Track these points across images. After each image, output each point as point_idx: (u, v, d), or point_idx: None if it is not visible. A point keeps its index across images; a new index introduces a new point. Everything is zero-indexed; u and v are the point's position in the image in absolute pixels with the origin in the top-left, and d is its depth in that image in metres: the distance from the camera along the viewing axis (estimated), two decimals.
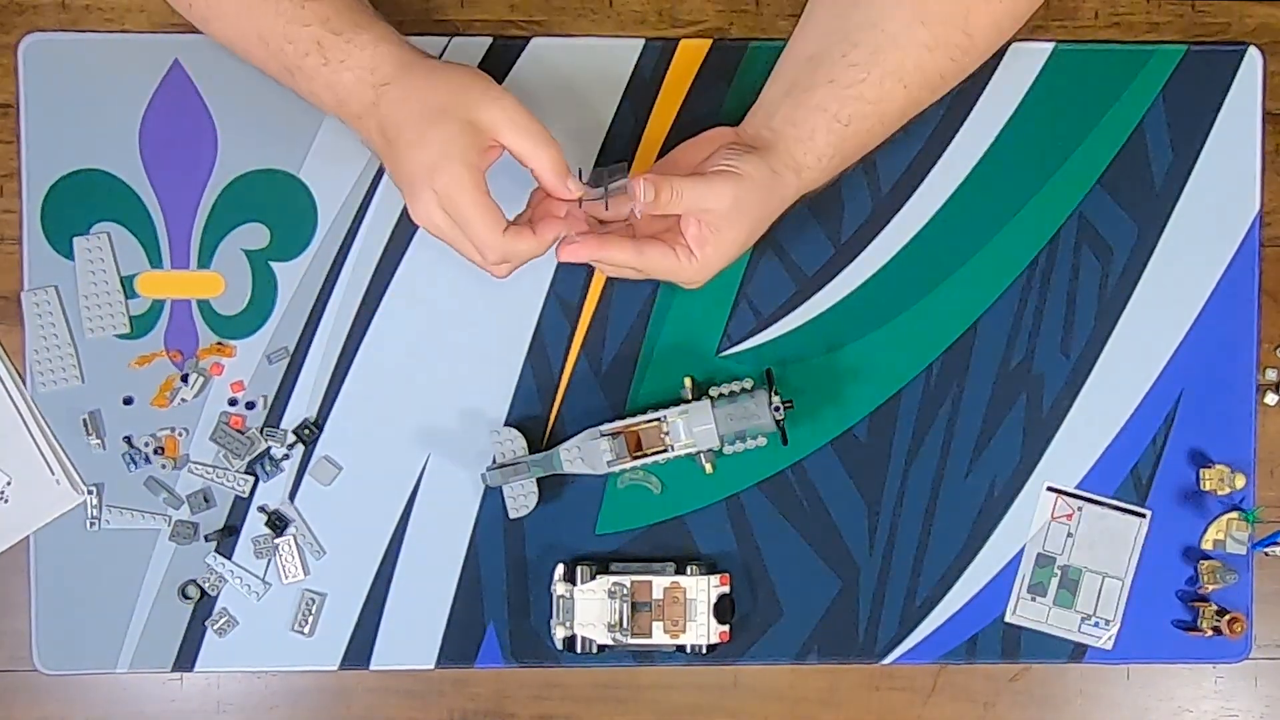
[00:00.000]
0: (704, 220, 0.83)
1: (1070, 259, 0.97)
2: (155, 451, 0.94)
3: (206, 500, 0.95)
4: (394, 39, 0.84)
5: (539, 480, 0.92)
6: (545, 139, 0.81)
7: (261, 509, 0.95)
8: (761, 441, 0.92)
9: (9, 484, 0.94)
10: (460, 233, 0.81)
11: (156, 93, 0.94)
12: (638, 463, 0.92)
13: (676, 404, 0.93)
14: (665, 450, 0.92)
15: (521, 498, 0.93)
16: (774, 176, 0.86)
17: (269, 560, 0.95)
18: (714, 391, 0.93)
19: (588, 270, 0.95)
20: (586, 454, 0.92)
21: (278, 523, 0.95)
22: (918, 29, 0.85)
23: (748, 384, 0.93)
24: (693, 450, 0.92)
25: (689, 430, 0.91)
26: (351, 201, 0.95)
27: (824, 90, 0.86)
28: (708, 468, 0.93)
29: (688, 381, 0.93)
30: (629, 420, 0.92)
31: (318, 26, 0.82)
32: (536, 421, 0.95)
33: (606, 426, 0.92)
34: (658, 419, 0.92)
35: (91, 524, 0.94)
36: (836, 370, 0.96)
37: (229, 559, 0.95)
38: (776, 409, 0.90)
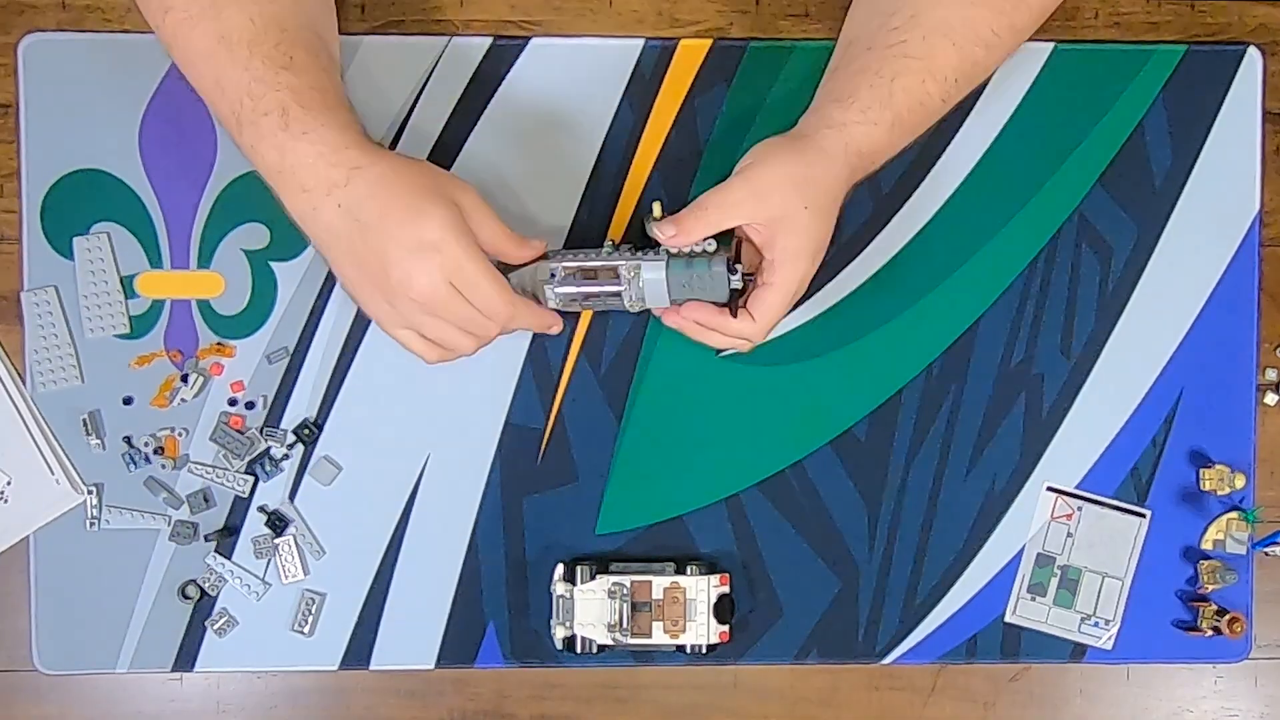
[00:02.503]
0: (760, 222, 0.84)
1: (1070, 259, 0.97)
2: (155, 451, 0.94)
3: (206, 500, 0.95)
4: (360, 128, 0.84)
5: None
6: (502, 225, 0.85)
7: (261, 509, 0.95)
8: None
9: (9, 484, 0.94)
10: (460, 303, 0.82)
11: (156, 93, 0.94)
12: (580, 305, 0.89)
13: (643, 248, 0.89)
14: (610, 301, 0.89)
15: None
16: (806, 141, 0.85)
17: (269, 560, 0.95)
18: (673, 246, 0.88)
19: None
20: (539, 273, 0.88)
21: (278, 523, 0.95)
22: None
23: (710, 245, 0.87)
24: (639, 309, 0.89)
25: (639, 291, 0.88)
26: None
27: (864, 56, 0.86)
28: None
29: (656, 206, 0.88)
30: (587, 258, 0.88)
31: (286, 93, 0.81)
32: (536, 422, 0.95)
33: (564, 256, 0.89)
34: (614, 266, 0.88)
35: (91, 524, 0.94)
36: (837, 370, 0.96)
37: (229, 559, 0.95)
38: (735, 280, 0.87)
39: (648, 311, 0.94)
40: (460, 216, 0.82)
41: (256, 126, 0.82)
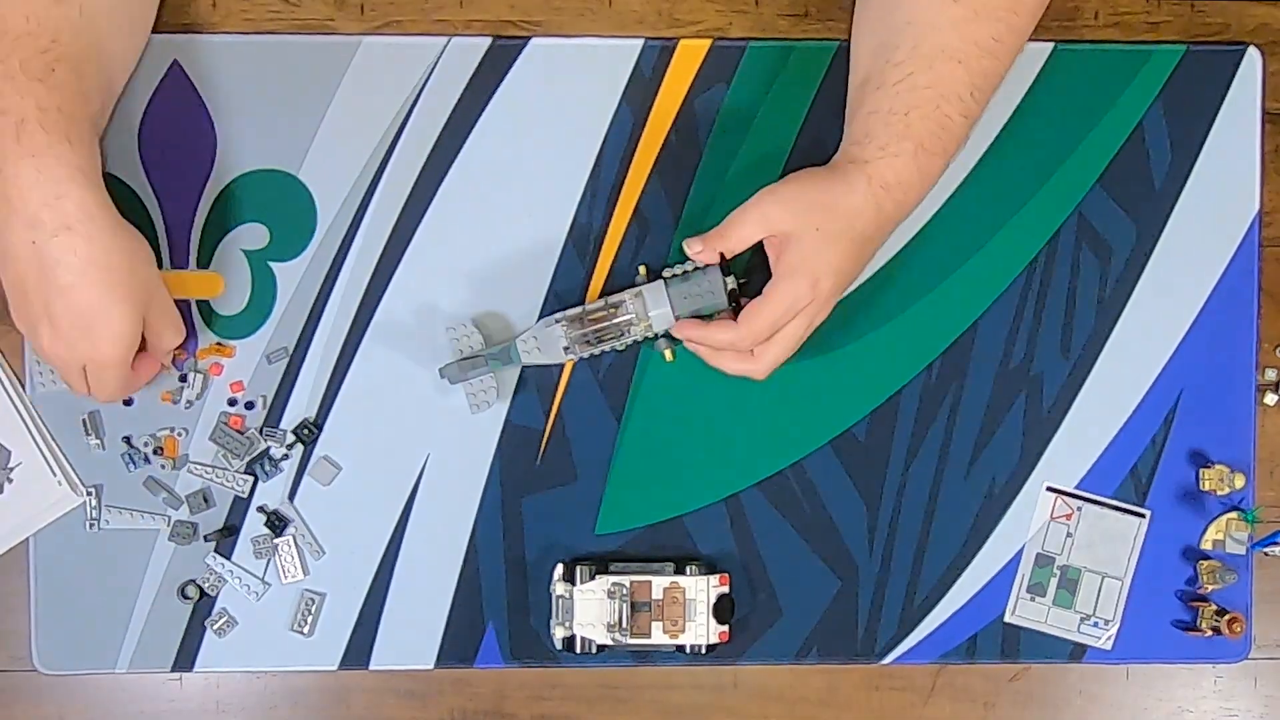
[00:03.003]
0: (774, 235, 0.86)
1: (1070, 259, 0.97)
2: (155, 451, 0.94)
3: (206, 500, 0.95)
4: (93, 180, 0.81)
5: (500, 376, 0.93)
6: (182, 328, 0.89)
7: (261, 509, 0.95)
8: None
9: (10, 482, 0.94)
10: (79, 377, 0.85)
11: (156, 93, 0.94)
12: (596, 349, 0.91)
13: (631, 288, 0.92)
14: (623, 335, 0.91)
15: (481, 393, 0.93)
16: (831, 170, 0.86)
17: (268, 560, 0.95)
18: (667, 272, 0.91)
19: (586, 272, 0.95)
20: (543, 342, 0.91)
21: (277, 523, 0.95)
22: (950, 7, 0.84)
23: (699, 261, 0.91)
24: (650, 335, 0.91)
25: (644, 313, 0.90)
26: (351, 201, 0.95)
27: (874, 96, 0.86)
28: (667, 355, 0.93)
29: (642, 269, 0.93)
30: (585, 306, 0.92)
31: (31, 106, 0.79)
32: (536, 422, 0.95)
33: (560, 314, 0.91)
34: (613, 304, 0.91)
35: (91, 524, 0.94)
36: (836, 370, 0.96)
37: (229, 559, 0.95)
38: (731, 281, 0.89)
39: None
40: (136, 331, 0.83)
41: None
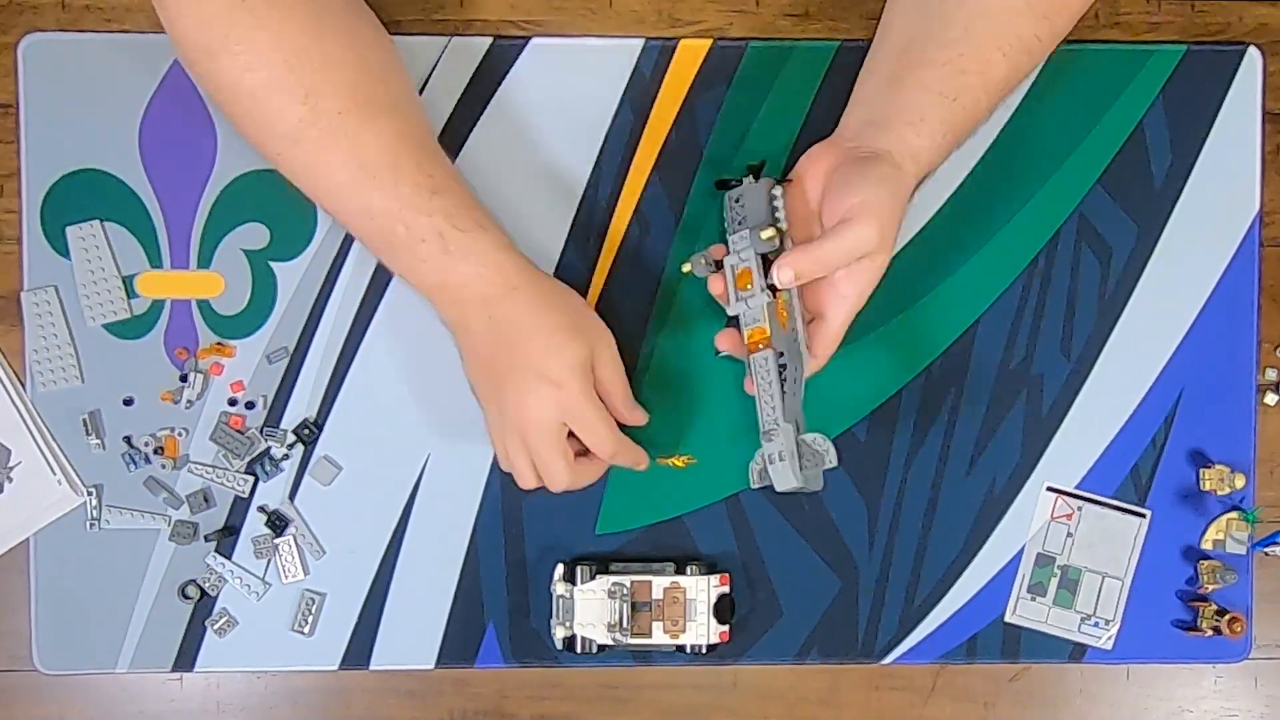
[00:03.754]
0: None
1: (1070, 259, 0.97)
2: (155, 451, 0.94)
3: (206, 500, 0.95)
4: (512, 245, 0.87)
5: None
6: (624, 376, 0.90)
7: (261, 509, 0.95)
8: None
9: (10, 482, 0.94)
10: (560, 440, 0.86)
11: (156, 93, 0.94)
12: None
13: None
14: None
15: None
16: (897, 172, 0.85)
17: (269, 560, 0.95)
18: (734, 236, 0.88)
19: (587, 271, 0.95)
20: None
21: (278, 523, 0.95)
22: None
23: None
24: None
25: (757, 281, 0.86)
26: None
27: (926, 71, 0.85)
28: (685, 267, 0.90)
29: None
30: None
31: (440, 219, 0.84)
32: None
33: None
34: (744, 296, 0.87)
35: (91, 524, 0.94)
36: (837, 370, 0.96)
37: (229, 559, 0.95)
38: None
39: (648, 312, 0.95)
40: (589, 361, 0.86)
41: (414, 252, 0.84)
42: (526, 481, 0.88)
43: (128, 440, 0.94)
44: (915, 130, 0.85)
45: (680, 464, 0.96)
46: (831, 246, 0.83)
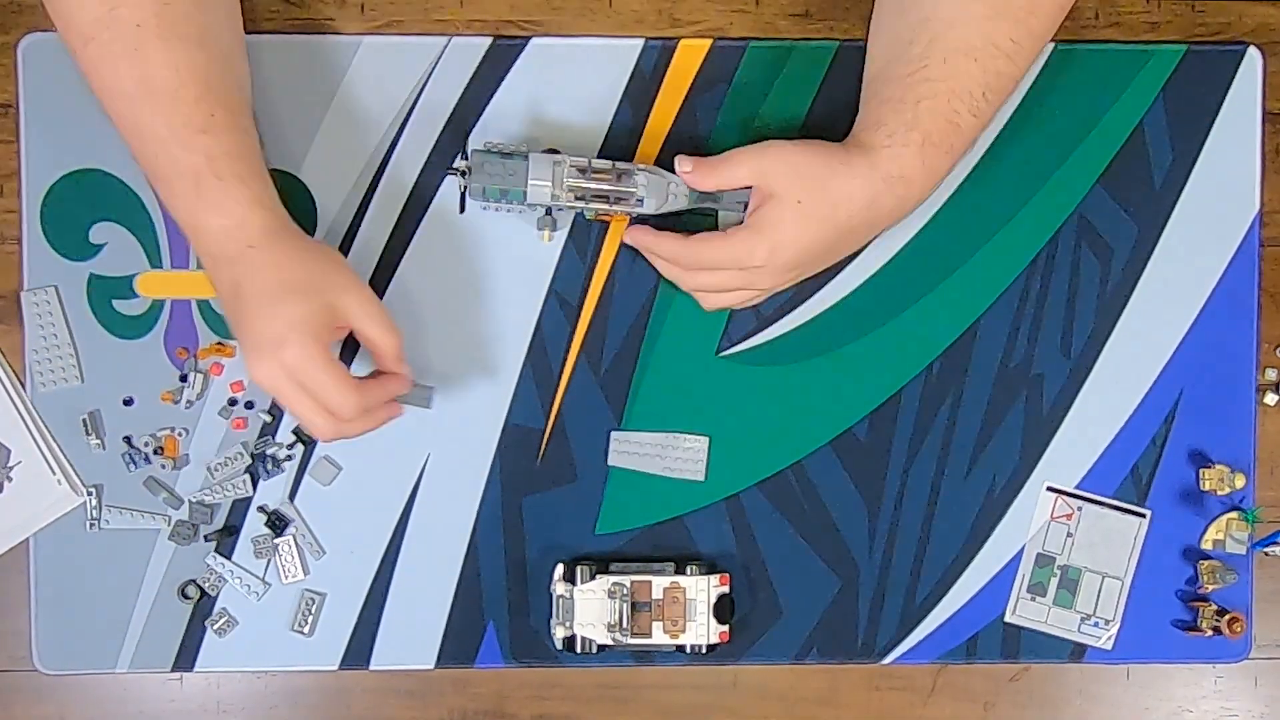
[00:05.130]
0: (763, 195, 0.85)
1: (1070, 259, 0.97)
2: (155, 451, 0.94)
3: (206, 502, 0.94)
4: (269, 202, 0.85)
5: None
6: (391, 327, 0.87)
7: (261, 509, 0.95)
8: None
9: (9, 481, 0.94)
10: (302, 395, 0.84)
11: None
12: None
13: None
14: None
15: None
16: (840, 151, 0.86)
17: (269, 560, 0.95)
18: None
19: (588, 270, 0.95)
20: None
21: (278, 523, 0.95)
22: (971, 4, 0.84)
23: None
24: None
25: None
26: (351, 201, 0.95)
27: (888, 88, 0.86)
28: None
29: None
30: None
31: (202, 159, 0.82)
32: (536, 422, 0.95)
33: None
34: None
35: (91, 524, 0.94)
36: (836, 370, 0.96)
37: (229, 559, 0.95)
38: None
39: (648, 311, 0.95)
40: (319, 319, 0.83)
41: (170, 185, 0.83)
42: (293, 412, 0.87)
43: (128, 440, 0.94)
44: (870, 133, 0.86)
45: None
46: (723, 154, 0.87)
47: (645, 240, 0.91)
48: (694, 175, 0.88)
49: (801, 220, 0.85)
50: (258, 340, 0.83)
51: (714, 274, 0.88)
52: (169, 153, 0.82)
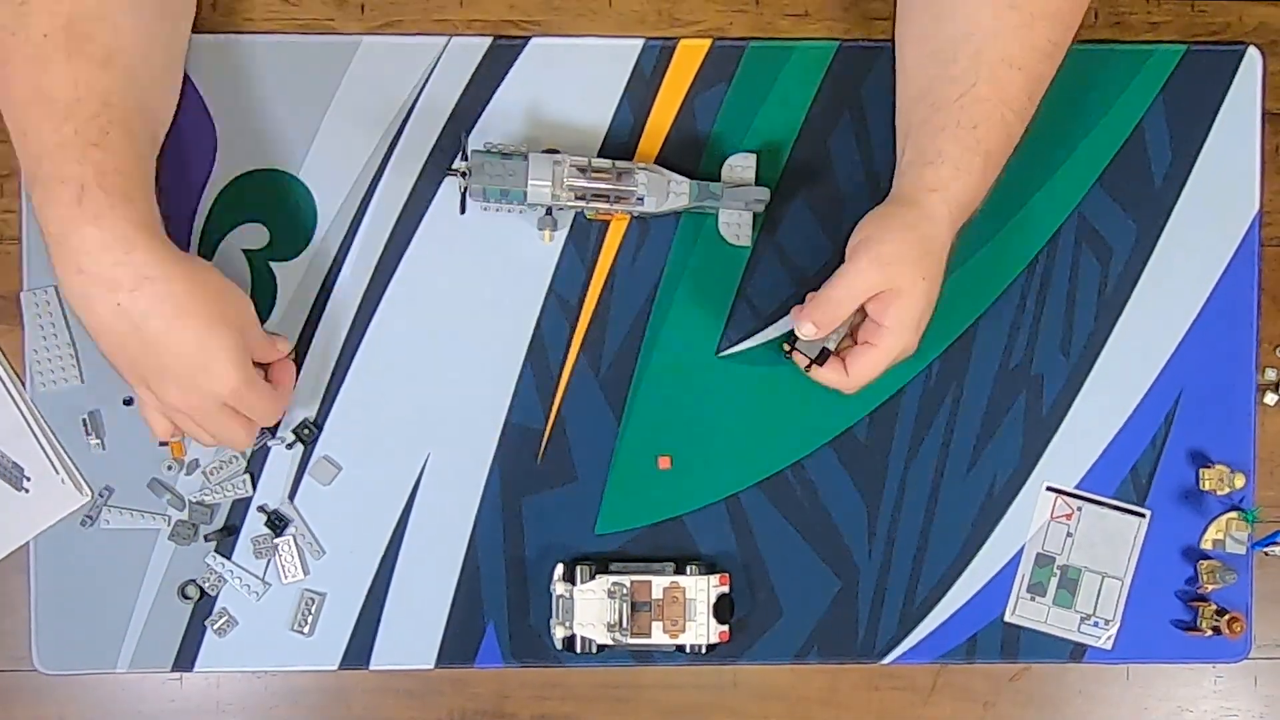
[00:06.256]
0: (887, 295, 0.85)
1: (1070, 259, 0.97)
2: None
3: (205, 504, 0.94)
4: (155, 229, 0.82)
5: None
6: (273, 339, 0.90)
7: (261, 509, 0.95)
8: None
9: (28, 479, 0.94)
10: (230, 419, 0.85)
11: None
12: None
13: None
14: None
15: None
16: (916, 211, 0.85)
17: (269, 560, 0.95)
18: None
19: (588, 270, 0.95)
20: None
21: (277, 523, 0.95)
22: (1008, 14, 0.84)
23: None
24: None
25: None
26: (351, 201, 0.95)
27: (938, 116, 0.85)
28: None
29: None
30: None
31: (91, 170, 0.79)
32: (536, 422, 0.95)
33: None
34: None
35: (88, 520, 0.94)
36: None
37: (229, 559, 0.95)
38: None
39: (648, 311, 0.95)
40: (243, 344, 0.84)
41: (48, 190, 0.79)
42: (200, 438, 0.88)
43: (133, 442, 0.94)
44: (935, 168, 0.85)
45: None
46: (831, 288, 0.85)
47: (810, 375, 0.89)
48: (820, 329, 0.86)
49: (930, 290, 0.85)
50: (189, 381, 0.82)
51: (876, 373, 0.88)
52: (54, 160, 0.79)
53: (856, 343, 0.89)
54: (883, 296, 0.85)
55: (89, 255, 0.79)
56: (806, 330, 0.86)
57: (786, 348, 0.91)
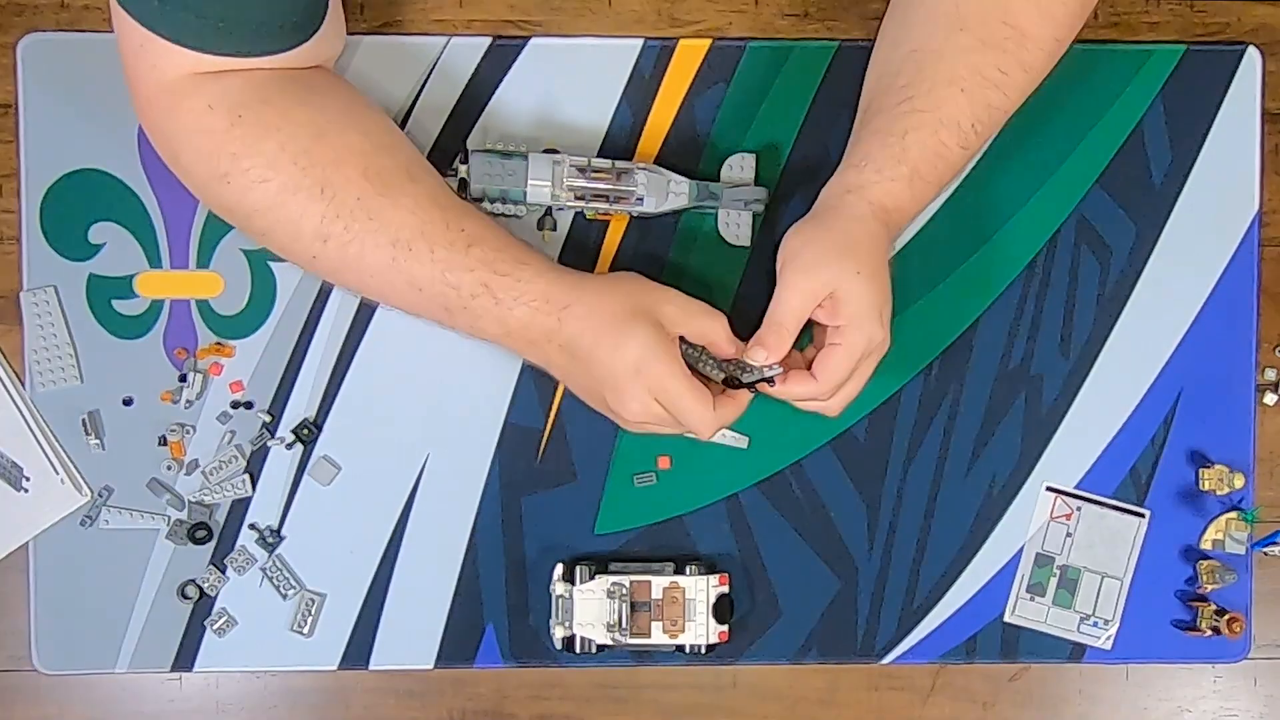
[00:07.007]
0: (830, 301, 0.84)
1: (1070, 259, 0.97)
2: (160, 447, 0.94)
3: (205, 502, 0.94)
4: (553, 266, 0.86)
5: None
6: (713, 313, 0.87)
7: (253, 526, 0.95)
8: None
9: (28, 478, 0.94)
10: (672, 417, 0.84)
11: None
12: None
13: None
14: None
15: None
16: (832, 212, 0.86)
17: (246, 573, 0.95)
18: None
19: (587, 270, 0.95)
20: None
21: (270, 539, 0.95)
22: (957, 35, 0.85)
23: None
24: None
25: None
26: None
27: (875, 120, 0.86)
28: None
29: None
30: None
31: (482, 270, 0.83)
32: (536, 422, 0.95)
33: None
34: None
35: (87, 519, 0.94)
36: None
37: (228, 559, 0.95)
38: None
39: None
40: (660, 332, 0.84)
41: (469, 311, 0.84)
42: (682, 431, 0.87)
43: (133, 443, 0.94)
44: (858, 170, 0.86)
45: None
46: (770, 313, 0.85)
47: (774, 394, 0.87)
48: (772, 355, 0.85)
49: (871, 281, 0.85)
50: (616, 380, 0.83)
51: (855, 381, 0.87)
52: (451, 284, 0.83)
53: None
54: (825, 304, 0.85)
55: (526, 328, 0.84)
56: (758, 356, 0.85)
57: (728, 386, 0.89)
